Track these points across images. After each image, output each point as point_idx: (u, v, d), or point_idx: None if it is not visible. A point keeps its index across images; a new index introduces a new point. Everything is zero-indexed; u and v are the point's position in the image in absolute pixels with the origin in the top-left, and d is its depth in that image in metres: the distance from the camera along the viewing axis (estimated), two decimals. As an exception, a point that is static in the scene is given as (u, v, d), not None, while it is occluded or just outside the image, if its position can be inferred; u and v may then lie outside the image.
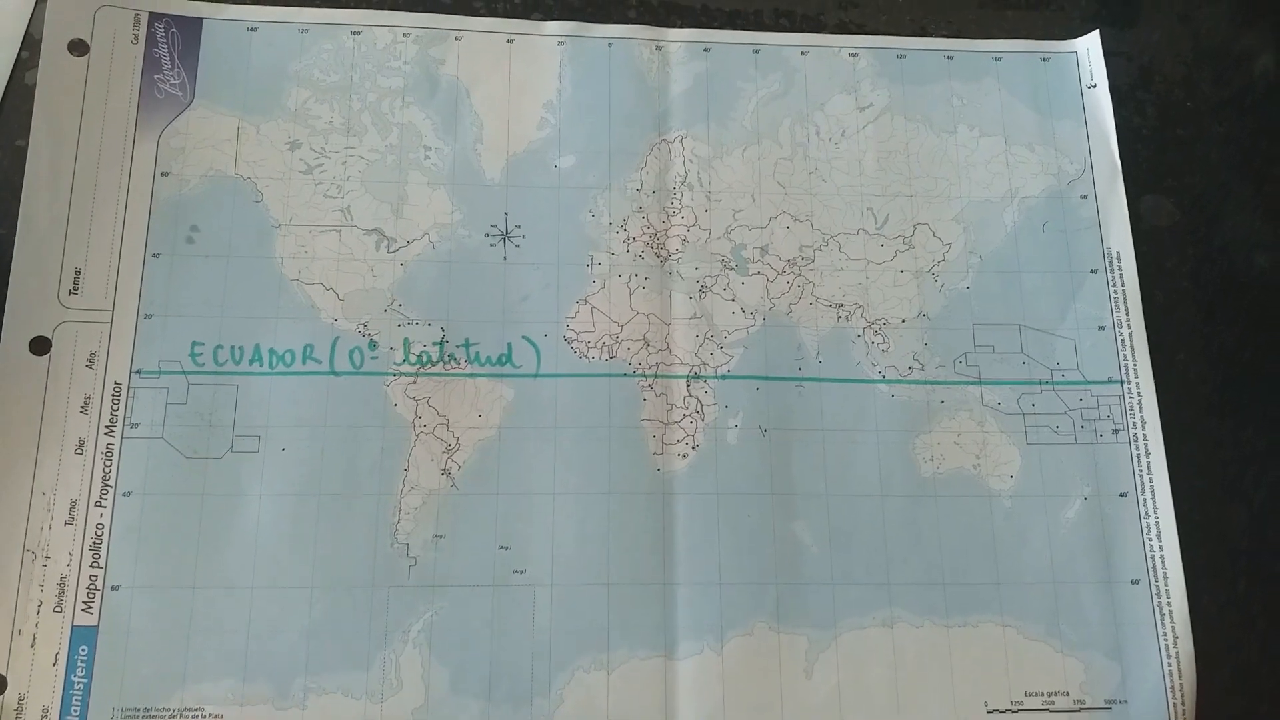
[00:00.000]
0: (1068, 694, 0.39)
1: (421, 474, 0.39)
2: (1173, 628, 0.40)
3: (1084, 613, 0.40)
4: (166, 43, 0.43)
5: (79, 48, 0.42)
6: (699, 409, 0.41)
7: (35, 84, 0.41)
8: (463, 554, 0.39)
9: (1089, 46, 0.46)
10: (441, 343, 0.41)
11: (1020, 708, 0.39)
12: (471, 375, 0.40)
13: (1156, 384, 0.42)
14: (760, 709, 0.38)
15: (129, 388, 0.39)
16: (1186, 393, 0.43)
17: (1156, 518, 0.41)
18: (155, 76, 0.42)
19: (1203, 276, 0.44)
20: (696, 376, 0.41)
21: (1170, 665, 0.39)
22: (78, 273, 0.40)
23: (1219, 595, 0.41)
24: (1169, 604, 0.40)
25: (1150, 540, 0.40)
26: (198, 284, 0.40)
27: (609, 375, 0.41)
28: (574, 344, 0.41)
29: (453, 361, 0.41)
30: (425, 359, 0.40)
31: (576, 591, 0.38)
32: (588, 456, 0.40)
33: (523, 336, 0.41)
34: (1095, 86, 0.46)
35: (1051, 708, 0.39)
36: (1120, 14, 0.48)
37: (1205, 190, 0.46)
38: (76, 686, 0.36)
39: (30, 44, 0.42)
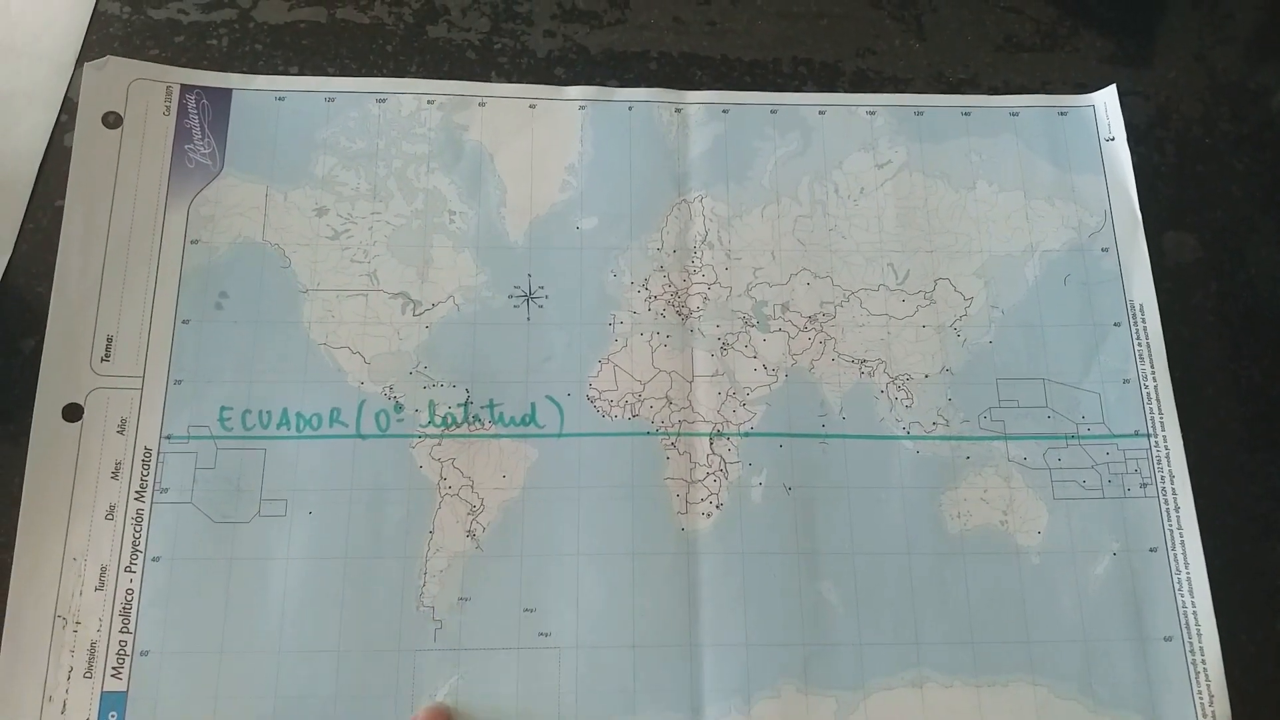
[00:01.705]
0: (1102, 755, 0.38)
1: (447, 536, 0.39)
2: (1208, 685, 0.39)
3: (1116, 671, 0.39)
4: (197, 113, 0.44)
5: (113, 120, 0.43)
6: (722, 467, 0.41)
7: (72, 147, 0.42)
8: (488, 617, 0.39)
9: (1106, 100, 0.47)
10: (466, 404, 0.41)
11: (1054, 769, 0.38)
12: (496, 436, 0.41)
13: (1184, 428, 0.42)
14: (789, 772, 0.38)
15: (159, 453, 0.40)
16: (1217, 434, 0.43)
17: (1188, 573, 0.40)
18: (186, 146, 0.43)
19: (1228, 311, 0.44)
20: (719, 434, 0.41)
21: (1207, 724, 0.38)
22: (109, 340, 0.41)
23: (1256, 635, 0.40)
24: (1203, 661, 0.39)
25: (1182, 595, 0.40)
26: (226, 349, 0.41)
27: (632, 434, 0.41)
28: (597, 403, 0.41)
29: (477, 422, 0.41)
30: (450, 420, 0.41)
31: (601, 654, 0.38)
32: (611, 516, 0.40)
33: (546, 396, 0.41)
34: (1114, 139, 0.46)
35: (1086, 769, 0.38)
36: (1136, 54, 0.48)
37: (1228, 225, 0.46)
38: (106, 753, 0.37)
39: (69, 107, 0.44)
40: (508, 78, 0.46)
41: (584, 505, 0.40)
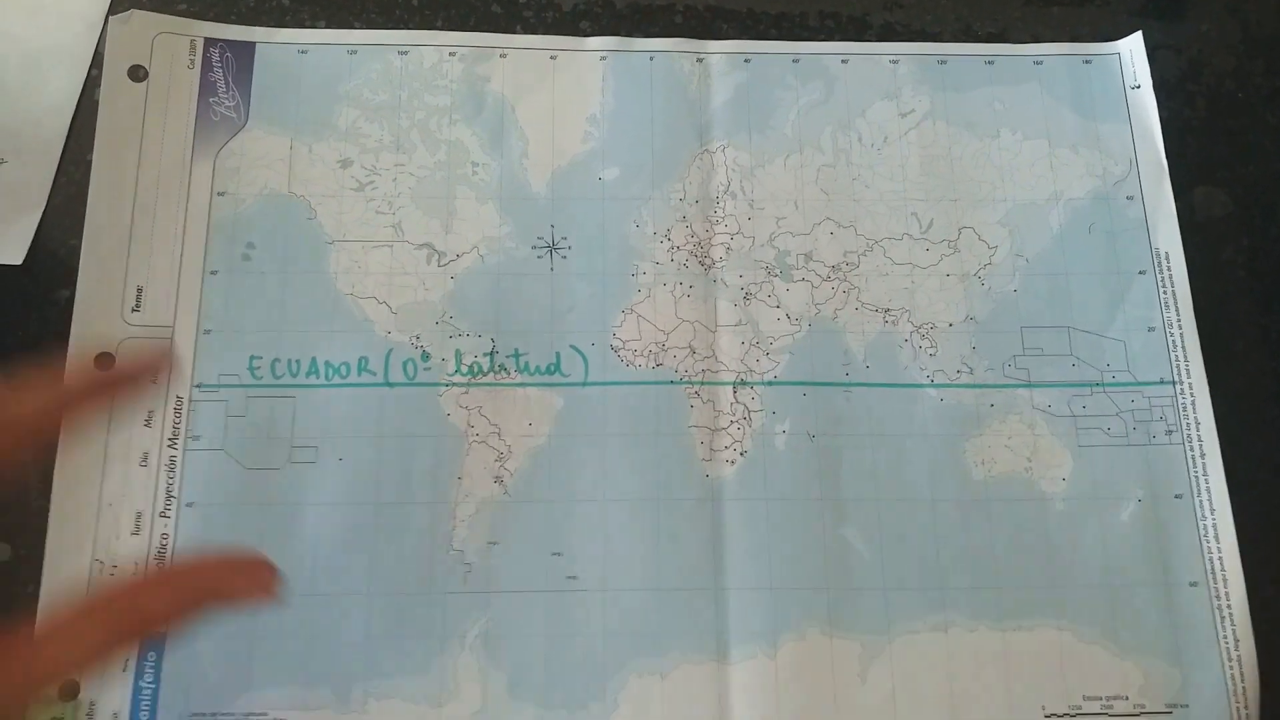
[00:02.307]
0: (1126, 698, 0.38)
1: (475, 482, 0.40)
2: (1233, 630, 0.39)
3: (1141, 616, 0.39)
4: (221, 67, 0.44)
5: (138, 73, 0.43)
6: (746, 415, 0.41)
7: (99, 101, 0.43)
8: (516, 560, 0.39)
9: (1132, 47, 0.46)
10: (492, 353, 0.41)
11: (1078, 712, 0.38)
12: (521, 385, 0.41)
13: (1211, 381, 0.42)
14: (814, 714, 0.38)
15: (190, 401, 0.40)
16: (1245, 385, 0.42)
17: (1214, 519, 0.40)
18: (211, 99, 0.44)
19: (1259, 266, 0.44)
20: (743, 383, 0.41)
21: (1232, 668, 0.39)
22: (140, 290, 0.41)
23: (1281, 591, 0.40)
24: (1229, 606, 0.39)
25: (1208, 541, 0.40)
26: (255, 300, 0.41)
27: (656, 383, 0.41)
28: (621, 352, 0.42)
29: (503, 371, 0.41)
30: (476, 369, 0.41)
31: (629, 597, 0.39)
32: (636, 463, 0.40)
33: (570, 346, 0.42)
34: (1139, 87, 0.46)
35: (1110, 712, 0.38)
36: (1167, 7, 0.48)
37: (1259, 180, 0.45)
38: (145, 692, 0.37)
39: (99, 61, 0.44)
40: (532, 31, 0.46)
41: (609, 452, 0.40)
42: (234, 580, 0.29)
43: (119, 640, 0.27)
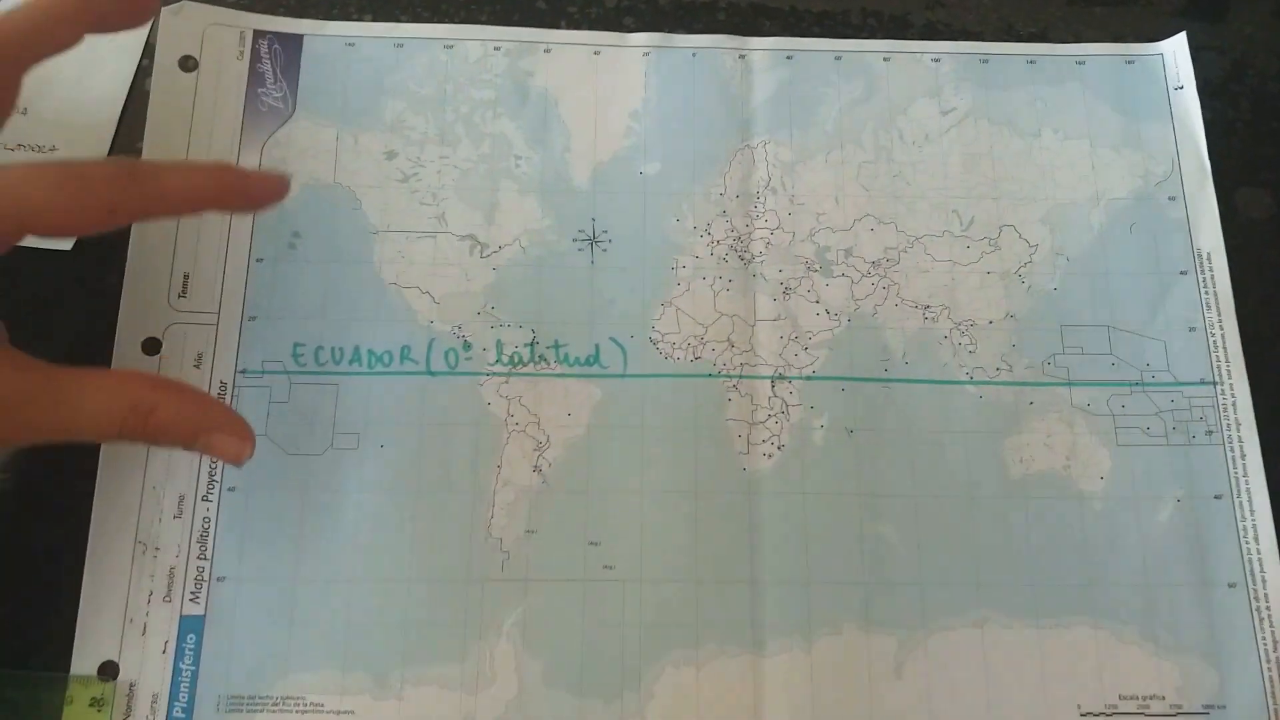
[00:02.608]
0: (1163, 698, 0.38)
1: (514, 471, 0.40)
2: (1272, 632, 0.39)
3: (1179, 616, 0.39)
4: (270, 58, 0.45)
5: (189, 64, 0.44)
6: (784, 409, 0.41)
7: (150, 90, 0.44)
8: (554, 549, 0.39)
9: (1175, 48, 0.46)
10: (532, 344, 0.42)
11: (1114, 711, 0.38)
12: (561, 376, 0.41)
13: (1252, 382, 0.41)
14: (849, 707, 0.38)
15: (234, 387, 0.41)
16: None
17: (1254, 520, 0.40)
18: (259, 90, 0.44)
19: (1302, 267, 0.44)
20: (781, 377, 0.42)
21: (1270, 670, 0.38)
22: (186, 277, 0.42)
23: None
24: (1268, 608, 0.39)
25: (1247, 543, 0.40)
26: (299, 288, 0.42)
27: (694, 376, 0.41)
28: (659, 345, 0.42)
29: (543, 362, 0.41)
30: (517, 359, 0.41)
31: (665, 588, 0.39)
32: (674, 455, 0.40)
33: (610, 338, 0.42)
34: (1182, 88, 0.46)
35: (1147, 711, 0.38)
36: (1210, 9, 0.48)
37: (1303, 183, 0.45)
38: (184, 674, 0.38)
39: (150, 52, 0.44)
40: (576, 27, 0.46)
41: (647, 444, 0.41)
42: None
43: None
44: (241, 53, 0.45)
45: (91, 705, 0.37)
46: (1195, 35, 0.46)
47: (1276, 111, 0.46)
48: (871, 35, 0.47)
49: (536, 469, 0.40)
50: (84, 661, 0.38)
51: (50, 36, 0.33)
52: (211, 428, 0.33)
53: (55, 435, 0.32)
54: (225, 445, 0.33)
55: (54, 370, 0.31)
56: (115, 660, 0.38)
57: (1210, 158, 0.45)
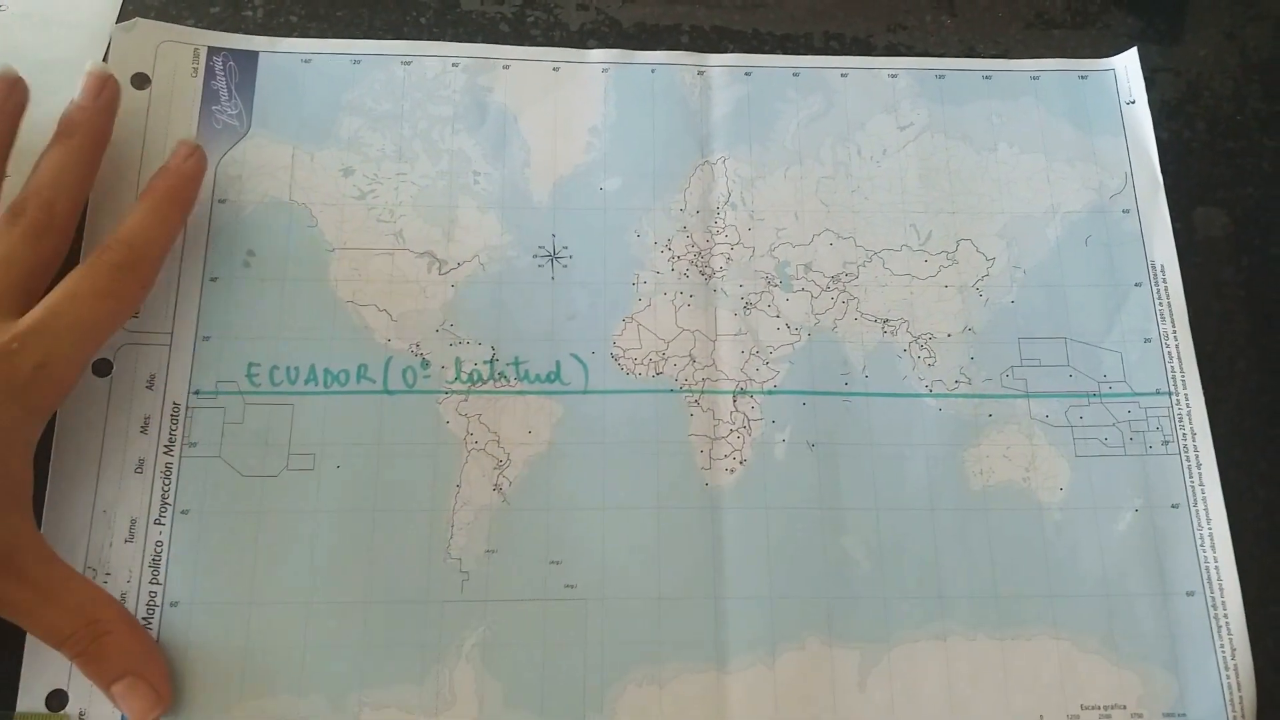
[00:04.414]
0: (1124, 707, 0.38)
1: (473, 490, 0.40)
2: (1230, 640, 0.39)
3: (1139, 625, 0.39)
4: (224, 75, 0.44)
5: (141, 81, 0.43)
6: (746, 424, 0.41)
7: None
8: (514, 569, 0.39)
9: (1127, 64, 0.47)
10: (492, 361, 0.41)
11: (1077, 722, 0.38)
12: (521, 393, 0.41)
13: (1208, 395, 0.42)
14: (813, 723, 0.38)
15: (187, 408, 0.40)
16: (1242, 396, 0.43)
17: (1210, 529, 0.40)
18: (214, 108, 0.44)
19: (1258, 286, 0.45)
20: (743, 392, 0.41)
21: (1229, 678, 0.39)
22: (139, 297, 0.41)
23: (1278, 590, 0.40)
24: (1226, 615, 0.39)
25: (1204, 552, 0.40)
26: (254, 307, 0.41)
27: (656, 391, 0.41)
28: (621, 361, 0.42)
29: (503, 379, 0.41)
30: (476, 377, 0.41)
31: (627, 605, 0.39)
32: (635, 471, 0.40)
33: (571, 354, 0.42)
34: (1134, 103, 0.46)
35: (1109, 721, 0.38)
36: (1166, 32, 0.49)
37: (1259, 201, 0.46)
38: (136, 701, 0.37)
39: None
40: (545, 41, 0.46)
41: (608, 461, 0.40)
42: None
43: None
44: (195, 70, 0.44)
45: (42, 739, 0.36)
46: (1151, 57, 0.47)
47: (1231, 131, 0.47)
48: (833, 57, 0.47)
49: (496, 487, 0.40)
50: (31, 693, 0.37)
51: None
52: (144, 673, 0.36)
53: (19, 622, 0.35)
54: (145, 695, 0.35)
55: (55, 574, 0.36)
56: (64, 689, 0.37)
57: (1166, 178, 0.45)
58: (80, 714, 0.37)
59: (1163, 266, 0.44)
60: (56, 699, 0.37)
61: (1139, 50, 0.47)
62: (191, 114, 0.43)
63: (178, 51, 0.44)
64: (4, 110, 0.39)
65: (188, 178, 0.41)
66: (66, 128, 0.39)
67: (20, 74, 0.40)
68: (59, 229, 0.38)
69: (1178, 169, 0.46)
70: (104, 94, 0.40)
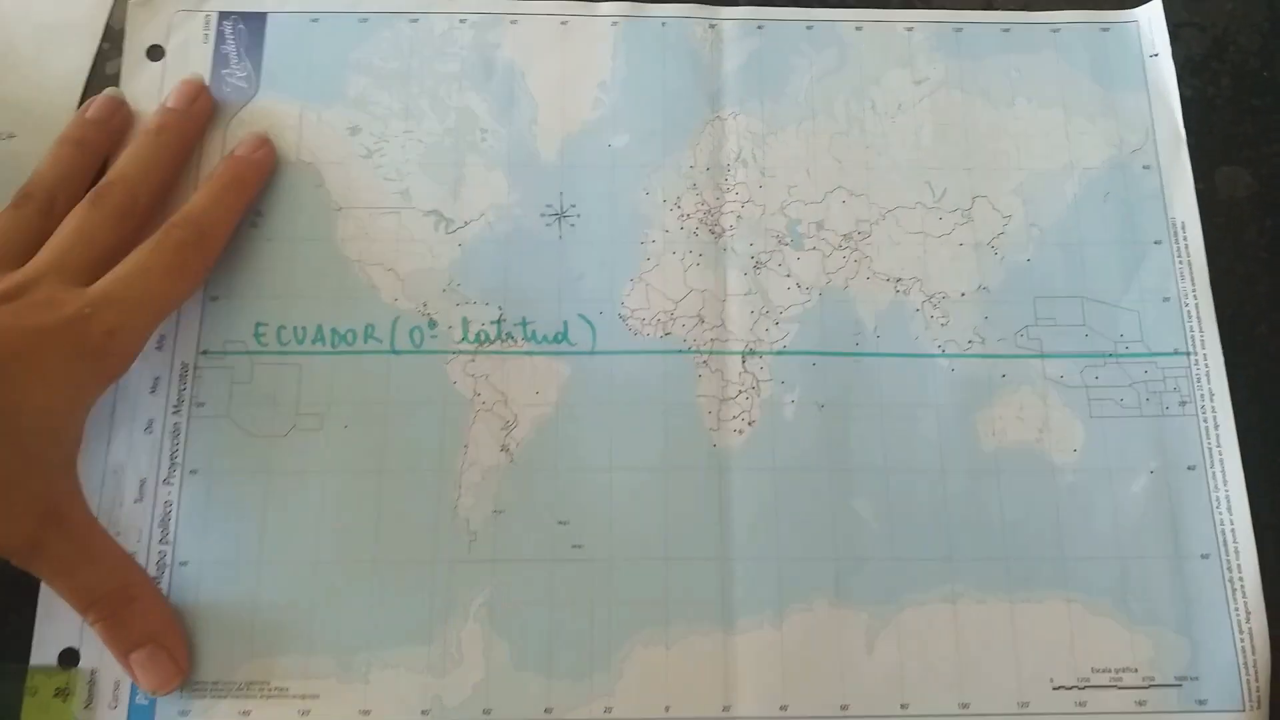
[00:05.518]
0: (1136, 670, 0.38)
1: (481, 450, 0.39)
2: (1245, 603, 0.38)
3: (1152, 588, 0.39)
4: (234, 39, 0.44)
5: (156, 53, 0.43)
6: (755, 385, 0.41)
7: (117, 73, 0.43)
8: (522, 529, 0.39)
9: (1150, 15, 0.45)
10: (499, 321, 0.41)
11: (1087, 684, 0.38)
12: (529, 353, 0.41)
13: (1228, 356, 0.41)
14: (820, 683, 0.38)
15: (195, 368, 0.40)
16: (1262, 358, 0.42)
17: (1226, 490, 0.40)
18: (223, 71, 0.43)
19: (1281, 245, 0.43)
20: (752, 352, 0.41)
21: (1243, 641, 0.38)
22: (147, 257, 0.41)
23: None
24: (1241, 579, 0.39)
25: (1220, 514, 0.39)
26: (262, 267, 0.41)
27: (664, 352, 0.41)
28: (629, 321, 0.41)
29: (510, 340, 0.41)
30: (483, 337, 0.41)
31: (634, 566, 0.39)
32: (643, 432, 0.40)
33: (578, 314, 0.41)
34: (1157, 55, 0.45)
35: (1119, 684, 0.38)
36: (1193, -18, 0.47)
37: (1284, 161, 0.45)
38: (148, 659, 0.37)
39: (110, 35, 0.44)
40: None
41: (616, 421, 0.40)
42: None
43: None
44: (206, 36, 0.44)
45: (56, 695, 0.37)
46: (1176, 11, 0.46)
47: (1257, 89, 0.46)
48: (847, 7, 0.46)
49: (504, 448, 0.40)
50: (44, 649, 0.37)
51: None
52: (164, 642, 0.36)
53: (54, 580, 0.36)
54: (164, 665, 0.36)
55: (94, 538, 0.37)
56: (76, 648, 0.37)
57: (1190, 136, 0.44)
58: (92, 673, 0.37)
59: (1183, 224, 0.43)
60: (69, 657, 0.37)
61: (1164, 2, 0.46)
62: (203, 80, 0.43)
63: (190, 20, 0.44)
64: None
65: (256, 166, 0.41)
66: (156, 125, 0.41)
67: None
68: (140, 214, 0.39)
69: (1201, 127, 0.44)
70: (196, 104, 0.42)
